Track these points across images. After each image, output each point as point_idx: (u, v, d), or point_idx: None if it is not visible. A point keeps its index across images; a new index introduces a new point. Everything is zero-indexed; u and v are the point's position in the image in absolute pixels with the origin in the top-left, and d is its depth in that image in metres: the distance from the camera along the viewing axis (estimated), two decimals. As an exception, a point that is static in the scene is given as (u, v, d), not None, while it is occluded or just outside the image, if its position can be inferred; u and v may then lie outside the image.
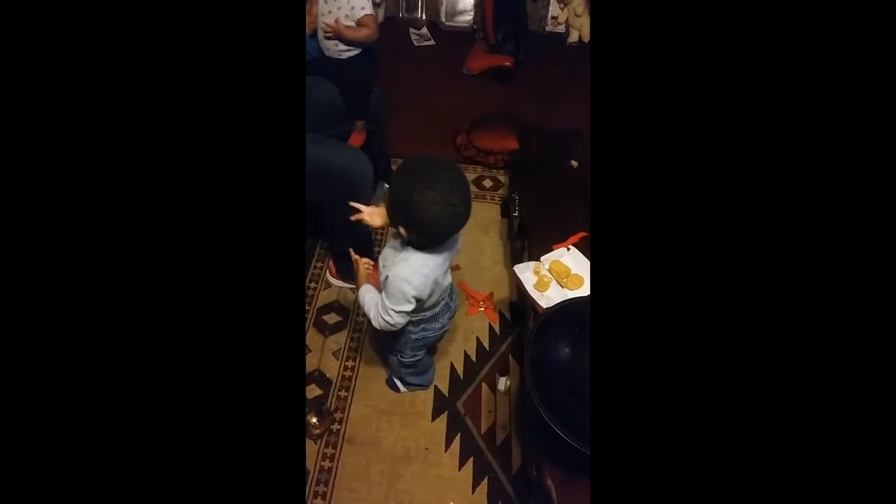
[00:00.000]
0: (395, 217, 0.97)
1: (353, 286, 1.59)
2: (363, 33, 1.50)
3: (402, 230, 0.97)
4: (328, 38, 1.51)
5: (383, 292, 1.05)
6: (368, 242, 1.63)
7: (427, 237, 0.97)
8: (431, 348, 1.40)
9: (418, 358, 1.27)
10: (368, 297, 1.09)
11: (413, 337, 1.18)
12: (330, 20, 1.48)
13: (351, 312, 1.57)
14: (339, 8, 1.47)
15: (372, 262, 1.14)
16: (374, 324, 1.07)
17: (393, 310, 1.02)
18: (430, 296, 1.06)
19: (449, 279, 1.13)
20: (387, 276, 1.02)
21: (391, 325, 1.05)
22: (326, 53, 1.55)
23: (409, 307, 1.02)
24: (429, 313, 1.14)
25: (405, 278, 0.99)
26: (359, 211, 1.13)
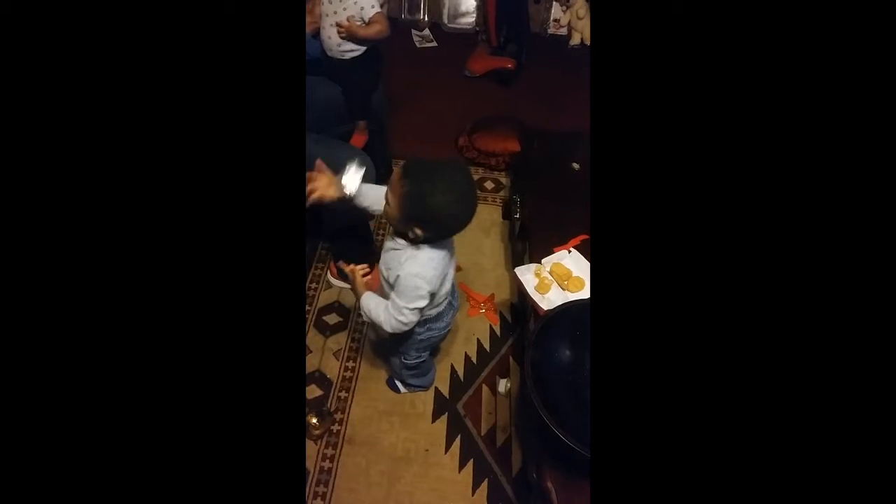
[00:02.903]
0: (408, 220, 0.96)
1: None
2: (375, 29, 1.49)
3: (416, 231, 0.97)
4: (342, 38, 1.50)
5: (394, 293, 1.04)
6: (369, 243, 1.63)
7: (444, 233, 0.99)
8: (434, 349, 1.39)
9: (422, 359, 1.27)
10: (373, 302, 1.07)
11: (419, 338, 1.18)
12: (336, 20, 1.48)
13: (352, 313, 1.57)
14: (345, 9, 1.47)
15: (367, 267, 1.12)
16: (386, 327, 1.05)
17: (406, 308, 1.02)
18: (439, 290, 1.06)
19: (452, 275, 1.13)
20: (397, 276, 1.01)
21: (405, 324, 1.04)
22: (329, 53, 1.56)
23: (423, 303, 1.02)
24: (434, 312, 1.14)
25: (417, 274, 1.00)
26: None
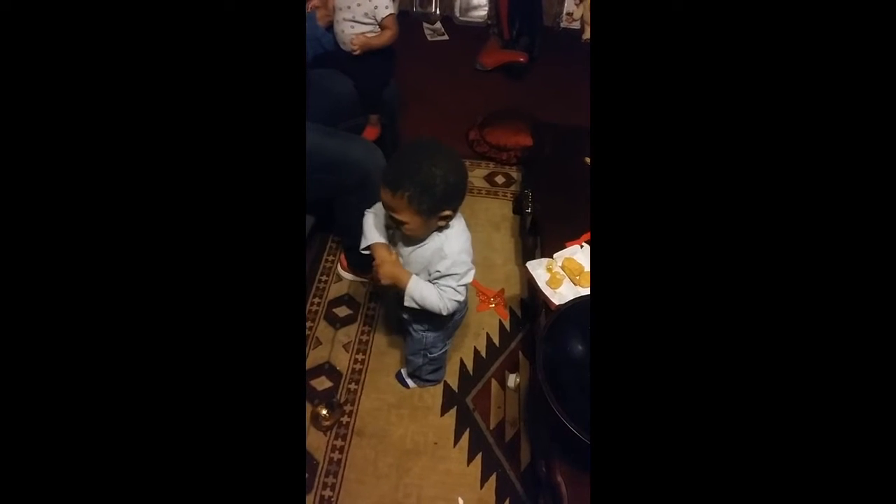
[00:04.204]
0: (432, 212, 0.94)
1: (364, 279, 1.61)
2: (387, 36, 1.52)
3: (445, 214, 0.96)
4: (355, 54, 1.53)
5: (443, 279, 1.03)
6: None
7: (463, 197, 0.99)
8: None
9: (445, 350, 1.29)
10: (426, 290, 1.04)
11: (457, 318, 1.20)
12: (348, 15, 1.49)
13: (361, 306, 1.57)
14: (358, 4, 1.47)
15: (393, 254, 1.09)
16: (443, 311, 1.05)
17: (461, 286, 1.04)
18: None
19: None
20: (447, 266, 1.00)
21: (460, 302, 1.07)
22: (342, 46, 1.56)
23: (472, 275, 1.05)
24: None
25: (463, 250, 1.01)
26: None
